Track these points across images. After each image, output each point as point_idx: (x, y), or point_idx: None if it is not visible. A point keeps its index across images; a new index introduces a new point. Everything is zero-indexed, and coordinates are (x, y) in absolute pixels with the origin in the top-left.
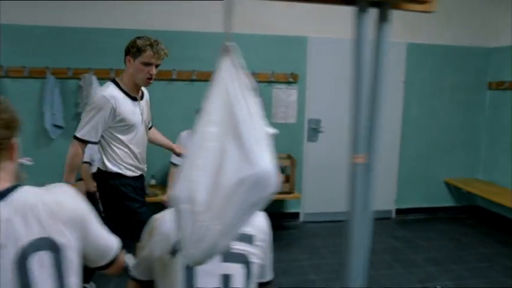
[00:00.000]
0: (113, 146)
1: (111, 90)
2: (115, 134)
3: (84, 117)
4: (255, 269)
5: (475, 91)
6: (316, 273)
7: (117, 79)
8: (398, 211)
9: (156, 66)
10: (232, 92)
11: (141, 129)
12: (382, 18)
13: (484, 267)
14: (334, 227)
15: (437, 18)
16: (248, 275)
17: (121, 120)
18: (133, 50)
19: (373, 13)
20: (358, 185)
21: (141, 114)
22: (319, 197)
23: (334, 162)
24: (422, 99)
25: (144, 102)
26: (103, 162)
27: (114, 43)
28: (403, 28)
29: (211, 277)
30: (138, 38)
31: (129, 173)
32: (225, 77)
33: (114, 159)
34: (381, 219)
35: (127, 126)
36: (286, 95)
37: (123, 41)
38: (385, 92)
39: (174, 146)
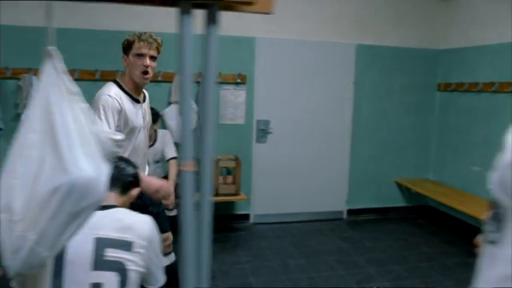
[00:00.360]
0: None
1: (115, 90)
2: None
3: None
4: (132, 277)
5: (424, 92)
6: (256, 276)
7: (118, 79)
8: (350, 212)
9: (151, 57)
10: (52, 97)
11: (142, 133)
12: (211, 20)
13: (424, 267)
14: (283, 229)
15: (386, 20)
16: (123, 282)
17: (124, 123)
18: (124, 45)
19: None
20: (187, 195)
21: (143, 117)
22: (269, 198)
23: (284, 163)
24: (372, 100)
25: (146, 105)
26: None
27: (57, 43)
28: (352, 29)
29: (80, 286)
30: (129, 35)
31: None
32: (46, 82)
33: None
34: (332, 220)
35: (128, 130)
36: (234, 96)
37: (65, 40)
38: (213, 95)
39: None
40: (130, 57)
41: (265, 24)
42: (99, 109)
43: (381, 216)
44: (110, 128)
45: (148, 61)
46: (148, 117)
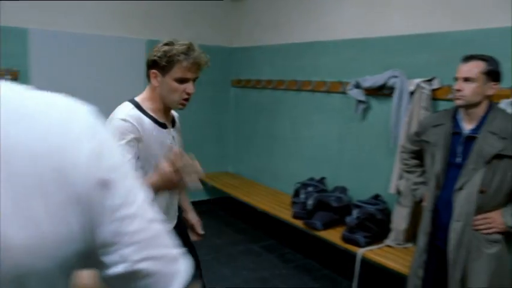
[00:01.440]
0: None
1: (131, 112)
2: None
3: None
4: None
5: (221, 88)
6: None
7: (137, 99)
8: None
9: (194, 80)
10: None
11: None
12: None
13: (208, 260)
14: None
15: (178, 16)
16: None
17: (146, 154)
18: (161, 61)
19: None
20: None
21: (166, 143)
22: None
23: None
24: None
25: (177, 130)
26: None
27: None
28: (142, 25)
29: None
30: (166, 43)
31: None
32: None
33: None
34: None
35: (152, 163)
36: None
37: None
38: None
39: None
40: (168, 79)
41: (40, 15)
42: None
43: None
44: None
45: (192, 87)
46: (180, 144)
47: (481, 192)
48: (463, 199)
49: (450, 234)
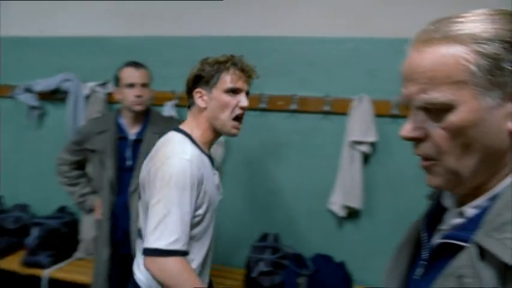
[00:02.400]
0: None
1: (193, 150)
2: None
3: (160, 210)
4: None
5: None
6: None
7: (186, 129)
8: None
9: (247, 94)
10: None
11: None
12: None
13: None
14: None
15: None
16: None
17: (200, 203)
18: (205, 73)
19: None
20: None
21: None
22: None
23: None
24: None
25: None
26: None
27: None
28: None
29: None
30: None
31: None
32: None
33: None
34: None
35: (206, 212)
36: None
37: None
38: None
39: None
40: (217, 92)
41: None
42: (167, 185)
43: None
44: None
45: (245, 101)
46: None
47: None
48: (138, 200)
49: (132, 237)
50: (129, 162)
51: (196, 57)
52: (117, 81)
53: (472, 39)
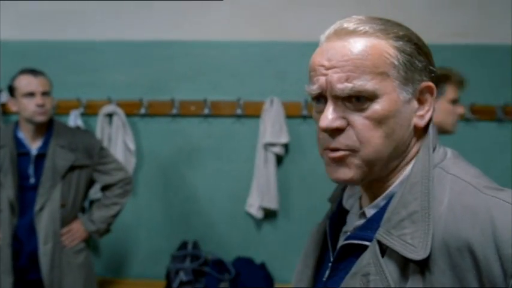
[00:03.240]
0: None
1: None
2: None
3: None
4: None
5: None
6: None
7: None
8: None
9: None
10: None
11: None
12: None
13: None
14: None
15: None
16: None
17: None
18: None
19: None
20: None
21: None
22: None
23: None
24: None
25: None
26: None
27: None
28: None
29: None
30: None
31: None
32: None
33: None
34: None
35: None
36: None
37: None
38: None
39: None
40: (445, 103)
41: None
42: None
43: None
44: None
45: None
46: None
47: (62, 206)
48: (47, 219)
49: (41, 260)
50: (32, 180)
51: (103, 63)
52: (12, 91)
53: (389, 36)
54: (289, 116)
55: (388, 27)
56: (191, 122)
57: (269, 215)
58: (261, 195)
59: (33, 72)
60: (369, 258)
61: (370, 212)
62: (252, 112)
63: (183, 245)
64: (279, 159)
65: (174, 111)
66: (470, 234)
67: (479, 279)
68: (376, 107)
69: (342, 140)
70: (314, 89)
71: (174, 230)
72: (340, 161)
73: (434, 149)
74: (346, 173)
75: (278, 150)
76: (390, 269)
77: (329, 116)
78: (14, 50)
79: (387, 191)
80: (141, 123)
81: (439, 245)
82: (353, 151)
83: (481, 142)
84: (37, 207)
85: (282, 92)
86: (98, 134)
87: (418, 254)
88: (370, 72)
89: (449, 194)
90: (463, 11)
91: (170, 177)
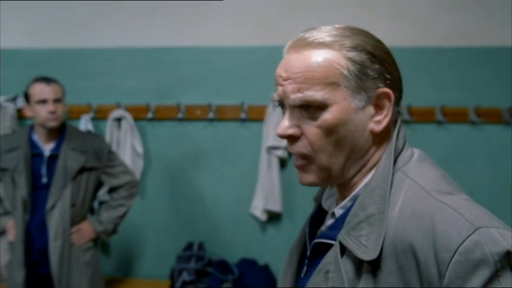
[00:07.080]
0: None
1: None
2: None
3: None
4: None
5: None
6: None
7: None
8: None
9: None
10: None
11: None
12: None
13: None
14: None
15: None
16: None
17: None
18: None
19: None
20: None
21: None
22: None
23: None
24: None
25: None
26: None
27: None
28: None
29: None
30: None
31: None
32: None
33: None
34: None
35: None
36: None
37: None
38: None
39: None
40: None
41: None
42: None
43: None
44: None
45: None
46: None
47: (73, 206)
48: (57, 217)
49: (51, 256)
50: (44, 180)
51: (112, 69)
52: (27, 97)
53: (343, 47)
54: None
55: (344, 38)
56: (197, 126)
57: (273, 217)
58: (265, 197)
59: (47, 80)
60: (330, 257)
61: (338, 212)
62: (255, 116)
63: (189, 246)
64: (283, 162)
65: (180, 115)
66: (414, 238)
67: (420, 280)
68: (326, 116)
69: (297, 148)
70: (274, 97)
71: (181, 231)
72: (301, 168)
73: (400, 152)
74: (307, 177)
75: (281, 153)
76: (347, 267)
77: (285, 123)
78: (28, 58)
79: (353, 193)
80: (149, 127)
81: (389, 246)
82: (309, 158)
83: (487, 145)
84: (49, 205)
85: None
86: (108, 137)
87: (368, 255)
88: (320, 83)
89: (403, 199)
90: (466, 13)
91: (177, 180)
